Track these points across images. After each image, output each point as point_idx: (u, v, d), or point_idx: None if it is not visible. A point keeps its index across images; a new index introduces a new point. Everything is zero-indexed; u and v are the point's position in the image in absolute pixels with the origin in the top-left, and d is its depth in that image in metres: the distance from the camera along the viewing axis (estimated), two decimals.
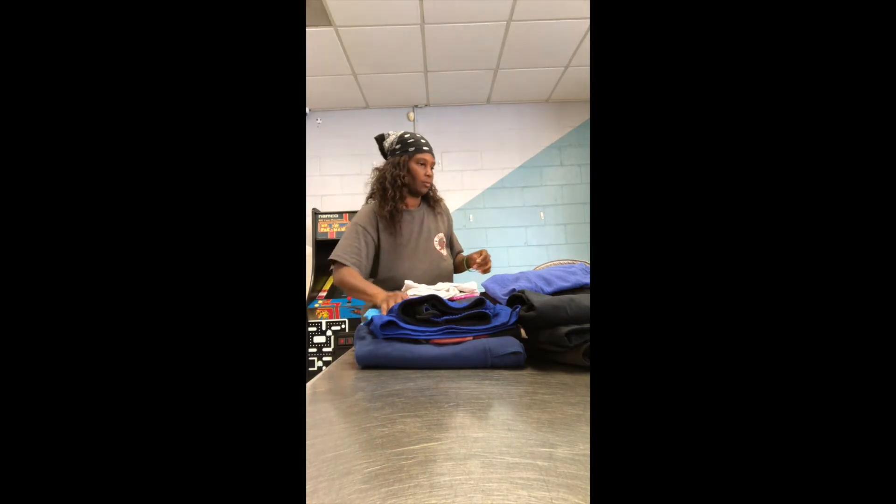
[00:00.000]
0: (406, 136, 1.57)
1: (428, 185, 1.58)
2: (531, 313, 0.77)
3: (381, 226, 1.54)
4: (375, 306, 1.22)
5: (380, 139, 1.63)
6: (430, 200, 1.66)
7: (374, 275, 1.57)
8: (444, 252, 1.64)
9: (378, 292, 1.30)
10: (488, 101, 3.67)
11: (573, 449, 0.37)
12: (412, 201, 1.62)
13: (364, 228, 1.53)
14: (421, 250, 1.58)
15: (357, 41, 2.78)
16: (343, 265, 1.47)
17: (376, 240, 1.54)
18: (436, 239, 1.62)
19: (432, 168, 1.59)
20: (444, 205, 1.73)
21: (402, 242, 1.56)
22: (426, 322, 0.80)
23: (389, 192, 1.53)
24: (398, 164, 1.55)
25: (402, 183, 1.54)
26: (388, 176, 1.54)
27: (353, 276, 1.44)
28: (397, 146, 1.57)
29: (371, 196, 1.59)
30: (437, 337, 0.78)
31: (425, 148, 1.56)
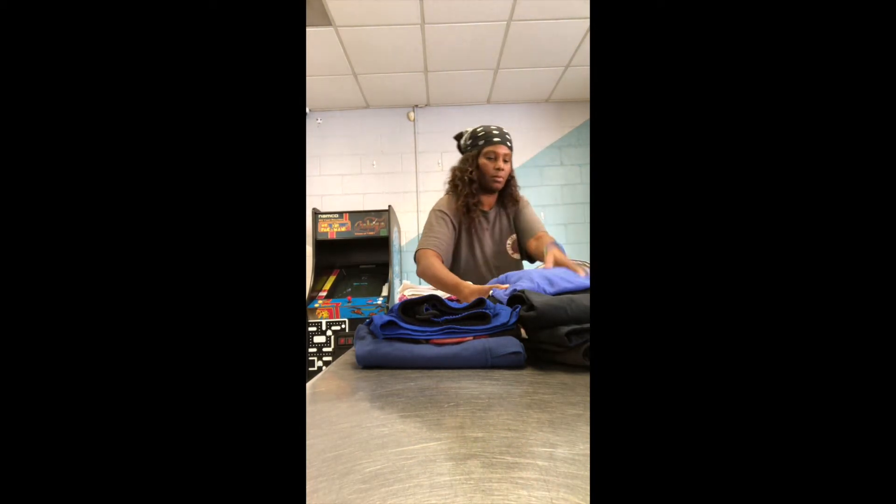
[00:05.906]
0: (477, 129, 1.47)
1: (499, 178, 1.44)
2: (531, 313, 0.77)
3: (461, 219, 1.48)
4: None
5: (457, 138, 1.56)
6: (506, 200, 1.53)
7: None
8: (518, 256, 1.54)
9: (465, 286, 1.17)
10: (488, 101, 3.67)
11: (573, 449, 0.37)
12: (487, 200, 1.51)
13: (444, 213, 1.46)
14: (495, 257, 1.50)
15: (357, 41, 2.78)
16: (426, 251, 1.38)
17: (457, 226, 1.47)
18: (508, 242, 1.53)
19: (506, 160, 1.43)
20: (525, 201, 1.57)
21: (474, 248, 1.48)
22: (426, 322, 0.80)
23: (460, 187, 1.46)
24: (467, 159, 1.47)
25: (469, 179, 1.44)
26: (458, 172, 1.48)
27: (436, 265, 1.32)
28: (469, 142, 1.48)
29: (446, 193, 1.53)
30: (436, 337, 0.78)
31: (495, 139, 1.42)
